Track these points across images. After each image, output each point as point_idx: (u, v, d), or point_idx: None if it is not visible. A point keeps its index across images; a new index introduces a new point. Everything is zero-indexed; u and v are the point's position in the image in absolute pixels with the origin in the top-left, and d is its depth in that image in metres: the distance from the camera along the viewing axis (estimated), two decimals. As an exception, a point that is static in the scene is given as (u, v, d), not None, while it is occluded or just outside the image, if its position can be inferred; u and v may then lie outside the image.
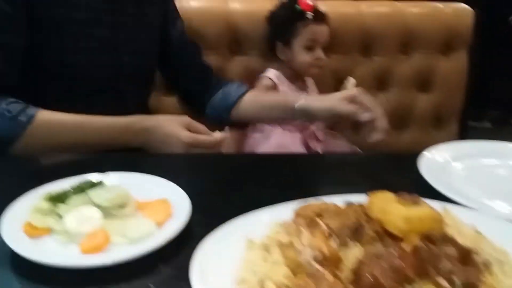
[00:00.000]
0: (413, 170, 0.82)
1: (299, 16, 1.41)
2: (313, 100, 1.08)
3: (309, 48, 1.43)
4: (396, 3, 1.62)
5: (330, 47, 1.54)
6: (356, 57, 1.59)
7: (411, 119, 1.64)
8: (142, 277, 0.57)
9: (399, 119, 1.63)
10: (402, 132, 1.64)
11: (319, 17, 1.43)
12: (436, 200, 0.66)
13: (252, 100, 1.20)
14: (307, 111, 1.05)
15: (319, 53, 1.44)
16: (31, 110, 0.95)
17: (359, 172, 0.86)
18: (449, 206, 0.64)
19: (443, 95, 1.63)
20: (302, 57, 1.44)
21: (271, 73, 1.47)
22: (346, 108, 0.97)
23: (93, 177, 0.74)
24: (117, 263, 0.57)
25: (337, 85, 1.57)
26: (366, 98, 0.98)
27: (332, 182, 0.83)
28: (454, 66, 1.62)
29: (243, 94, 1.20)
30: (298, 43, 1.43)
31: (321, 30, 1.44)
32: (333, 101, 1.00)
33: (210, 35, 1.51)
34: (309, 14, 1.41)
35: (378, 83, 1.62)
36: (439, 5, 1.64)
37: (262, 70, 1.52)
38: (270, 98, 1.25)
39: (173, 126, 0.96)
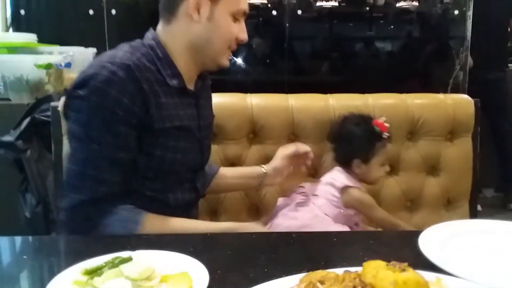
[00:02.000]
0: (415, 246, 0.90)
1: (379, 137, 1.51)
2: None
3: (383, 164, 1.56)
4: (401, 95, 1.77)
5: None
6: (365, 145, 1.71)
7: (421, 202, 1.72)
8: None
9: (410, 202, 1.71)
10: (413, 215, 1.71)
11: (391, 135, 1.55)
12: (431, 272, 0.73)
13: (229, 170, 1.55)
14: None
15: (387, 167, 1.58)
16: (140, 216, 1.14)
17: (364, 248, 0.93)
18: (441, 276, 0.71)
19: (451, 179, 1.71)
20: (378, 172, 1.54)
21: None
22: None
23: (124, 254, 0.84)
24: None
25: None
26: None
27: (337, 257, 0.90)
28: (460, 151, 1.72)
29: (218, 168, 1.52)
30: (376, 161, 1.53)
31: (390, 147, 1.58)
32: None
33: (231, 127, 1.67)
34: (386, 134, 1.52)
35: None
36: (441, 96, 1.79)
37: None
38: (243, 168, 1.58)
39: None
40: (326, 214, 1.47)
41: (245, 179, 1.52)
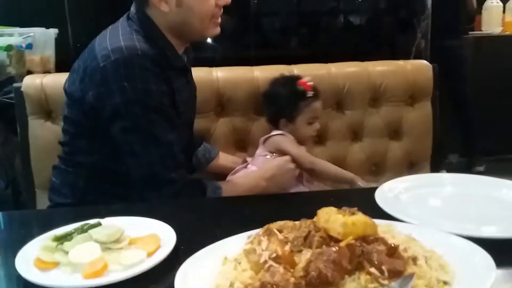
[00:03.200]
0: (373, 201, 0.95)
1: (302, 95, 1.54)
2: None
3: (310, 123, 1.57)
4: (363, 63, 1.82)
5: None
6: (330, 112, 1.75)
7: (386, 166, 1.78)
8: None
9: (375, 166, 1.77)
10: (378, 178, 1.77)
11: (317, 94, 1.57)
12: (385, 220, 0.78)
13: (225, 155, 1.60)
14: None
15: (317, 125, 1.59)
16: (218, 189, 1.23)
17: (325, 205, 0.98)
18: (393, 222, 0.76)
19: (413, 142, 1.78)
20: (305, 130, 1.57)
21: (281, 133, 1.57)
22: None
23: (93, 221, 0.86)
24: (113, 282, 0.68)
25: (314, 137, 1.72)
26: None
27: (298, 215, 0.94)
28: (420, 115, 1.79)
29: (218, 152, 1.57)
30: (302, 120, 1.55)
31: (319, 106, 1.59)
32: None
33: (198, 101, 1.68)
34: (310, 93, 1.54)
35: (352, 135, 1.77)
36: (401, 62, 1.84)
37: (246, 129, 1.69)
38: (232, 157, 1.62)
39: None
40: None
41: (232, 164, 1.57)
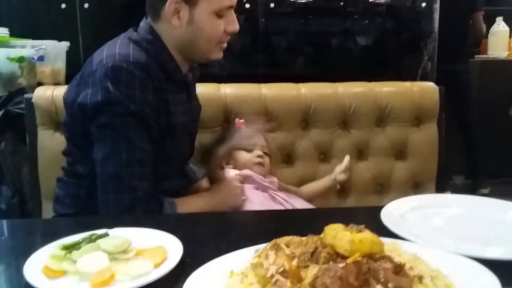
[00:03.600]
0: (379, 220, 0.95)
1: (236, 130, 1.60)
2: None
3: (249, 151, 1.59)
4: (369, 83, 1.84)
5: (313, 123, 1.74)
6: (336, 131, 1.77)
7: (390, 185, 1.79)
8: (142, 305, 0.69)
9: (379, 185, 1.78)
10: (382, 198, 1.78)
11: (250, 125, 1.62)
12: (390, 238, 0.79)
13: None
14: None
15: (259, 151, 1.58)
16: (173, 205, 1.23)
17: (331, 222, 0.98)
18: (399, 241, 0.77)
19: (418, 163, 1.79)
20: (243, 157, 1.58)
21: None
22: None
23: (101, 231, 0.87)
24: (121, 293, 0.69)
25: (320, 155, 1.74)
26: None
27: (306, 231, 0.95)
28: (426, 136, 1.80)
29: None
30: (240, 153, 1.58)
31: (256, 135, 1.60)
32: None
33: (206, 116, 1.70)
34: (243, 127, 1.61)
35: (357, 154, 1.78)
36: (408, 84, 1.86)
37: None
38: None
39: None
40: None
41: None
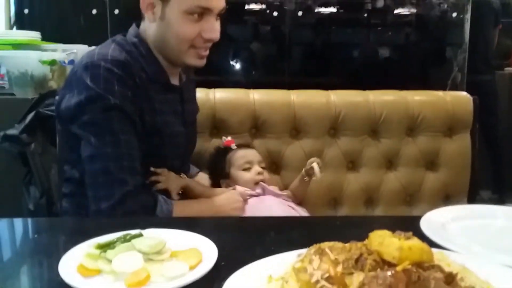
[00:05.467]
0: (417, 229, 0.92)
1: (226, 151, 1.58)
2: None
3: (246, 169, 1.53)
4: (400, 92, 1.80)
5: (341, 131, 1.72)
6: (365, 139, 1.74)
7: (420, 197, 1.74)
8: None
9: (409, 196, 1.74)
10: (412, 209, 1.73)
11: (243, 144, 1.61)
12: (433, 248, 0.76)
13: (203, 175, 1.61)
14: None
15: (257, 168, 1.53)
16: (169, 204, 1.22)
17: (368, 231, 0.95)
18: (444, 251, 0.74)
19: (450, 174, 1.75)
20: (244, 176, 1.52)
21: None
22: None
23: (134, 231, 0.86)
24: (157, 294, 0.67)
25: (348, 164, 1.71)
26: None
27: (341, 239, 0.92)
28: (459, 147, 1.76)
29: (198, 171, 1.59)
30: (235, 170, 1.54)
31: (249, 152, 1.58)
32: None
33: (233, 122, 1.69)
34: (233, 146, 1.59)
35: (387, 163, 1.75)
36: (440, 93, 1.82)
37: (280, 152, 1.69)
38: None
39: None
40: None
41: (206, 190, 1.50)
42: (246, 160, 1.54)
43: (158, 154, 1.28)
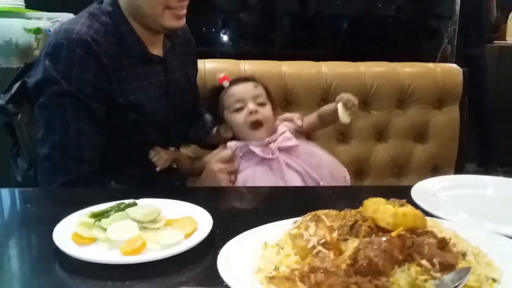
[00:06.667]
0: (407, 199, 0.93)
1: (219, 91, 1.37)
2: None
3: (237, 109, 1.32)
4: (391, 63, 1.80)
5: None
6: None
7: (409, 168, 1.76)
8: (176, 274, 0.68)
9: (398, 167, 1.76)
10: (401, 181, 1.75)
11: (237, 80, 1.38)
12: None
13: None
14: None
15: (250, 106, 1.30)
16: None
17: (360, 200, 0.97)
18: (436, 219, 0.75)
19: (438, 146, 1.76)
20: (237, 119, 1.31)
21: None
22: None
23: (128, 201, 0.86)
24: (152, 261, 0.68)
25: (338, 136, 1.72)
26: None
27: (334, 207, 0.94)
28: (448, 119, 1.77)
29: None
30: (228, 112, 1.33)
31: (242, 88, 1.34)
32: None
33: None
34: (226, 83, 1.36)
35: (377, 135, 1.76)
36: (431, 65, 1.82)
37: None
38: None
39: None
40: None
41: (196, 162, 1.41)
42: (236, 98, 1.31)
43: (137, 130, 1.24)
